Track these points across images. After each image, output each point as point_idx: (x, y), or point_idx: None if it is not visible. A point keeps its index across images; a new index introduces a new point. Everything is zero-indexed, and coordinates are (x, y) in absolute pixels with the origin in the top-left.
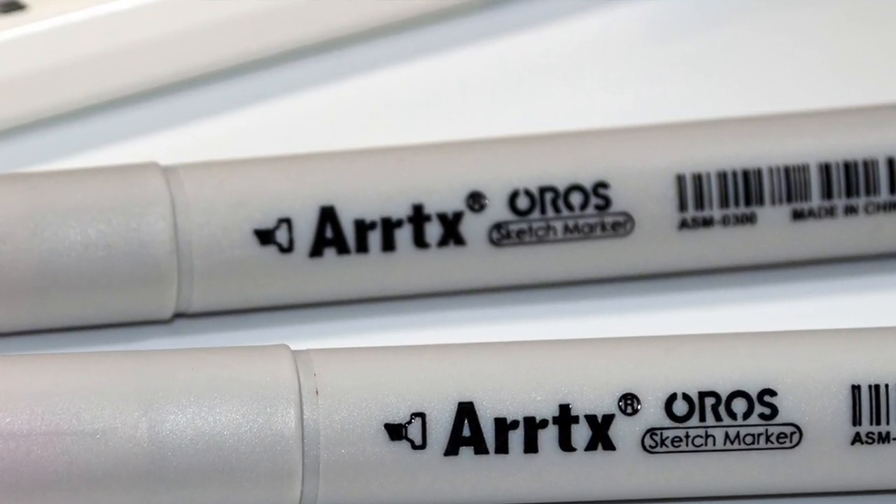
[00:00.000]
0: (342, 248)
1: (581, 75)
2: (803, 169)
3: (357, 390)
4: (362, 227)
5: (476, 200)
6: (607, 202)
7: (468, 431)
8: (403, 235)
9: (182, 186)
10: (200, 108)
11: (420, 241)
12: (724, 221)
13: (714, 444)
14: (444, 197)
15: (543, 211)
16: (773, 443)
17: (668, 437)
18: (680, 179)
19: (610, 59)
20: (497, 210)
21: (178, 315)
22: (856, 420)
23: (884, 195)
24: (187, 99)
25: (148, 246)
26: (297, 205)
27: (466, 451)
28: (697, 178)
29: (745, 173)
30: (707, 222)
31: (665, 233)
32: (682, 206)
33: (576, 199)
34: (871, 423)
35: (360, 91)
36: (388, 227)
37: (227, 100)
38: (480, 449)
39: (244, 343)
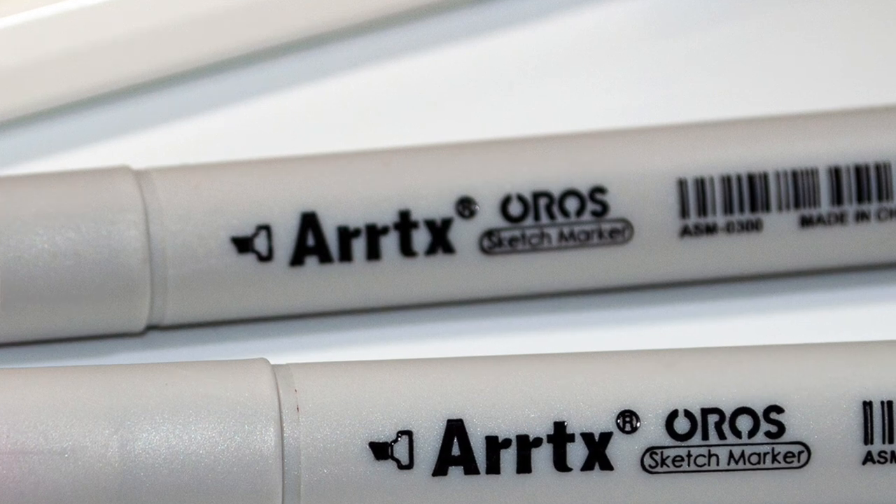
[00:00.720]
0: (324, 257)
1: (577, 74)
2: (812, 173)
3: (340, 407)
4: (346, 235)
5: (466, 206)
6: (605, 208)
7: (458, 450)
8: (389, 243)
9: (155, 192)
10: (175, 109)
11: (407, 250)
12: (728, 228)
13: (717, 464)
14: (432, 203)
15: (537, 217)
16: (780, 462)
17: (668, 457)
18: (681, 184)
19: (608, 56)
20: (488, 216)
21: (151, 327)
22: (867, 438)
23: None
24: (161, 99)
25: (119, 254)
26: (276, 211)
27: (456, 472)
28: (700, 183)
29: (751, 178)
30: (710, 229)
31: (666, 240)
32: (684, 213)
33: (571, 204)
34: (884, 442)
35: (344, 91)
36: (373, 234)
37: (203, 100)
38: (471, 469)
39: (221, 357)
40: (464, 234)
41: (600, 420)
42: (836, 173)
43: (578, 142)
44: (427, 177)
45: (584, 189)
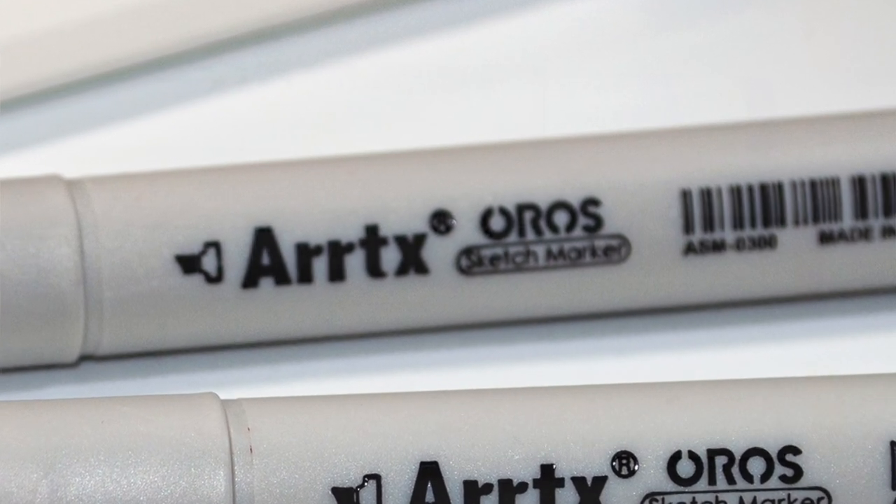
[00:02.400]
0: (281, 278)
1: (567, 71)
2: (833, 183)
3: (299, 447)
4: (305, 253)
5: (441, 221)
6: (598, 222)
7: (432, 496)
8: (355, 262)
9: (90, 204)
10: (113, 110)
11: (375, 270)
12: (738, 245)
13: None
14: (403, 216)
15: (522, 233)
16: None
17: (670, 503)
18: (685, 195)
19: (603, 51)
20: (466, 232)
21: (86, 357)
22: (895, 483)
23: None
24: (97, 99)
25: (49, 275)
26: (227, 226)
27: None
28: (706, 195)
29: (763, 188)
30: (718, 246)
31: (667, 259)
32: (688, 228)
33: (561, 218)
34: None
35: (304, 89)
36: (337, 252)
37: (144, 99)
38: None
39: (164, 391)
40: (439, 251)
41: (594, 462)
42: (860, 183)
43: (568, 147)
44: (398, 187)
45: (574, 201)
